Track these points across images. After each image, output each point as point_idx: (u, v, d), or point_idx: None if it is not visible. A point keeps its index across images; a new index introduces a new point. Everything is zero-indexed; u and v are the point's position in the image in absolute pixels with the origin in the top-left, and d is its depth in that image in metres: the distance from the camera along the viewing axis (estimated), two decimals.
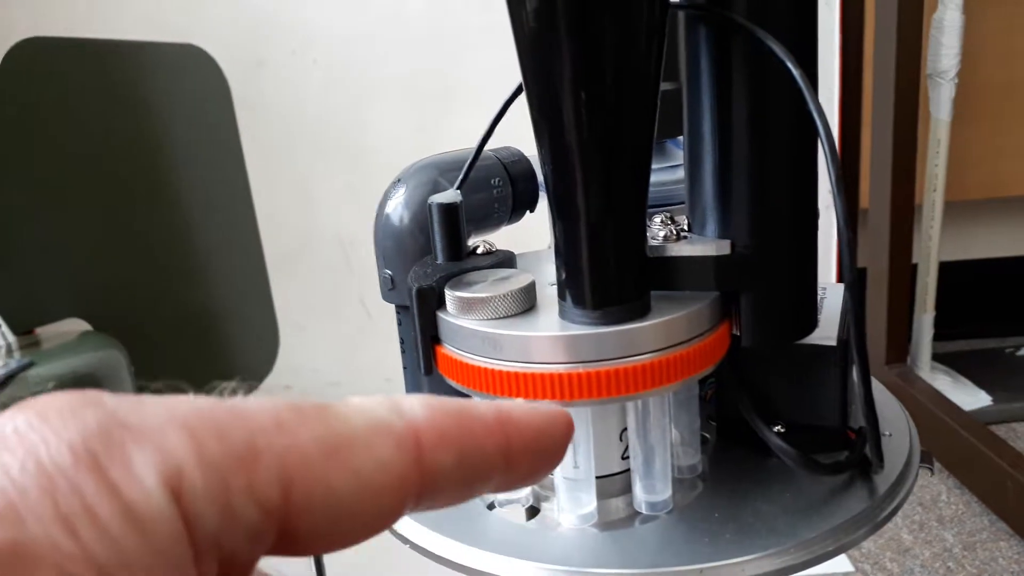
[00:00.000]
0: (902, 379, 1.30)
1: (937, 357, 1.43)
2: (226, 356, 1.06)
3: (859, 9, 1.37)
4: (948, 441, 1.17)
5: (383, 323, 0.43)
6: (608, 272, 0.31)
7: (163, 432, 0.14)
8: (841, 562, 0.99)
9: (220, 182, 1.05)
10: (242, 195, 1.08)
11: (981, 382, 1.38)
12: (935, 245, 1.38)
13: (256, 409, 0.15)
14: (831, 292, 0.41)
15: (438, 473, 0.16)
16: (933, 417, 1.20)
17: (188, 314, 1.00)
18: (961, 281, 1.52)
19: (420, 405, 0.16)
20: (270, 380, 1.16)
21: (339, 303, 1.32)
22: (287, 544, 0.15)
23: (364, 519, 0.15)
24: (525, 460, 0.17)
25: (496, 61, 1.16)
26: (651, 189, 0.42)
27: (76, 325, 0.84)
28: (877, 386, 0.43)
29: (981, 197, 1.48)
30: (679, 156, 0.43)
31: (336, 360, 1.36)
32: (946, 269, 1.42)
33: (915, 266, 1.37)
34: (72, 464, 0.13)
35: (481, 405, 0.17)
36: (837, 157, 0.28)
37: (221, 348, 1.05)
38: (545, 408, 0.18)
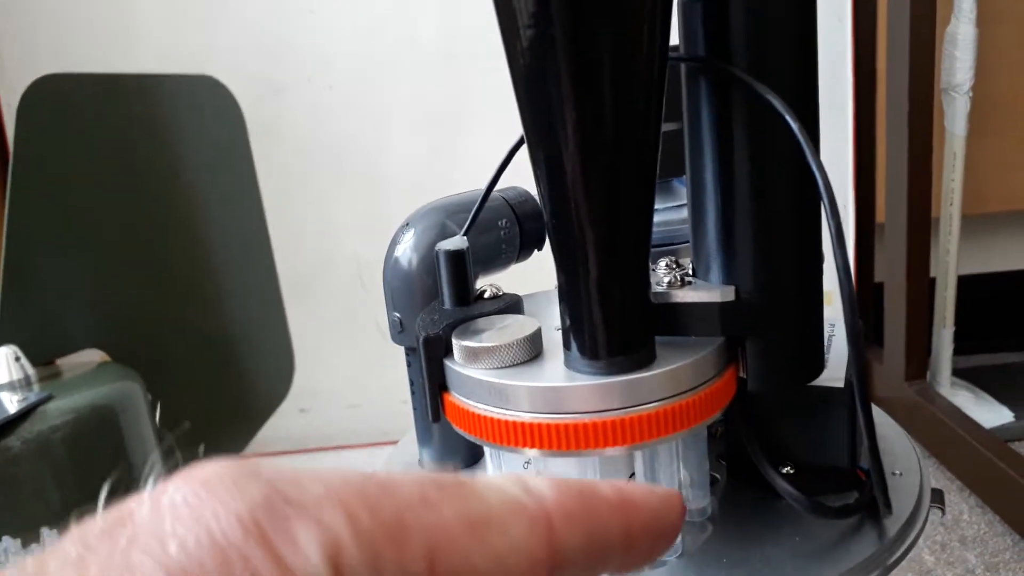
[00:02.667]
0: (922, 396, 1.29)
1: (958, 372, 1.41)
2: (242, 381, 1.07)
3: (871, 23, 1.37)
4: (969, 460, 1.16)
5: (400, 346, 0.43)
6: (612, 323, 0.31)
7: (321, 506, 0.14)
8: None
9: (236, 209, 1.06)
10: (257, 221, 1.09)
11: (1003, 398, 1.36)
12: (953, 259, 1.37)
13: (402, 484, 0.16)
14: (840, 329, 0.41)
15: (567, 554, 0.16)
16: (954, 435, 1.19)
17: (204, 340, 1.01)
18: (981, 294, 1.50)
19: (548, 486, 0.17)
20: (287, 404, 1.17)
21: (355, 326, 1.32)
22: None
23: None
24: (644, 542, 0.18)
25: (508, 83, 1.17)
26: (657, 229, 0.43)
27: (94, 355, 0.85)
28: (887, 421, 0.43)
29: (999, 210, 1.47)
30: (684, 196, 0.43)
31: (353, 383, 1.36)
32: (965, 283, 1.41)
33: (933, 280, 1.36)
34: (242, 537, 0.14)
35: (603, 486, 0.18)
36: (837, 212, 0.28)
37: (237, 373, 1.06)
38: (661, 491, 0.19)
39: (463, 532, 0.15)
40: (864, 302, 1.47)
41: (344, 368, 1.36)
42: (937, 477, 1.20)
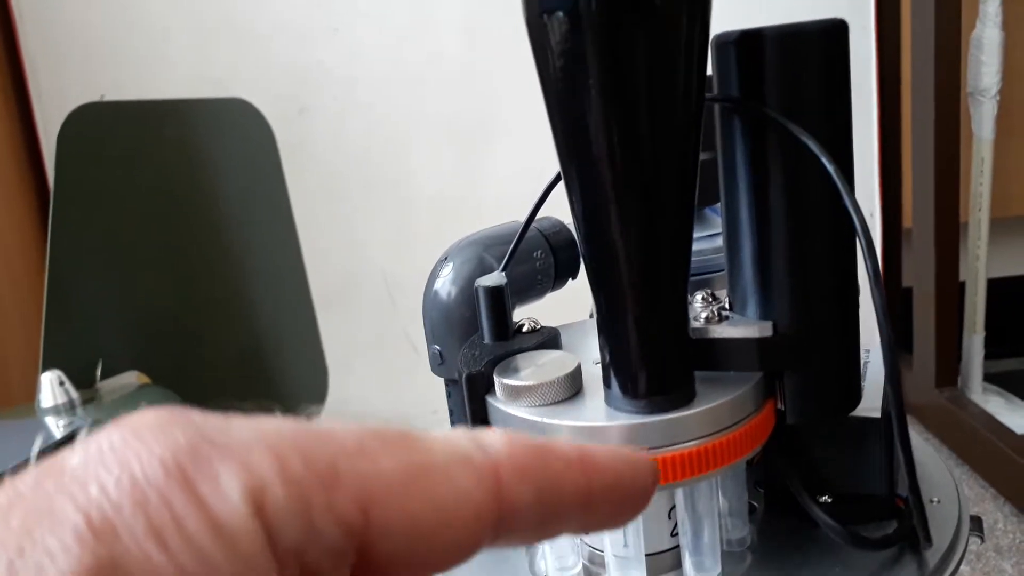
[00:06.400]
0: (953, 403, 1.28)
1: (989, 377, 1.40)
2: (278, 397, 1.09)
3: (895, 29, 1.37)
4: (1003, 466, 1.15)
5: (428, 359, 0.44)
6: (653, 361, 0.31)
7: (248, 450, 0.14)
8: None
9: (268, 228, 1.08)
10: (290, 239, 1.10)
11: None
12: (983, 265, 1.36)
13: (340, 433, 0.16)
14: (875, 355, 0.42)
15: (516, 508, 0.16)
16: (986, 442, 1.18)
17: (240, 359, 1.02)
18: (1011, 298, 1.49)
19: (501, 440, 0.17)
20: (319, 415, 1.18)
21: (385, 339, 1.34)
22: (367, 569, 0.15)
23: (442, 548, 0.16)
24: (606, 504, 0.18)
25: (531, 97, 1.18)
26: (692, 259, 0.43)
27: (133, 377, 0.87)
28: (922, 445, 0.43)
29: None
30: (718, 224, 0.44)
31: (383, 395, 1.38)
32: (995, 286, 1.39)
33: (962, 285, 1.34)
34: (163, 479, 0.14)
35: (563, 444, 0.17)
36: (875, 252, 0.29)
37: (273, 389, 1.08)
38: (629, 453, 0.18)
39: (402, 481, 0.15)
40: (892, 308, 1.47)
41: (374, 381, 1.37)
42: (970, 484, 1.19)
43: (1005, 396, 1.38)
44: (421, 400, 1.35)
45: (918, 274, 1.33)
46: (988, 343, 1.38)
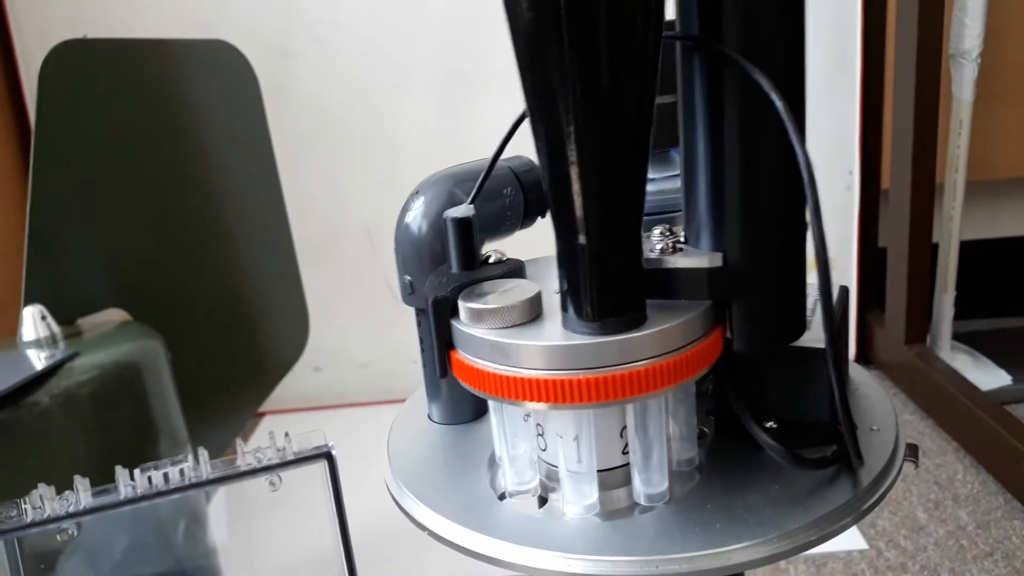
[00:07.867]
0: (921, 359, 1.31)
1: (958, 336, 1.44)
2: (258, 340, 1.10)
3: None
4: (965, 421, 1.19)
5: (409, 308, 0.46)
6: (606, 287, 0.33)
7: None
8: (856, 539, 1.01)
9: (251, 172, 1.08)
10: (272, 184, 1.11)
11: (1002, 361, 1.39)
12: (956, 225, 1.38)
13: None
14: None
15: None
16: (951, 397, 1.22)
17: (221, 300, 1.04)
18: (984, 260, 1.52)
19: None
20: (302, 362, 1.21)
21: (367, 288, 1.35)
22: None
23: None
24: None
25: None
26: (655, 197, 0.45)
27: (115, 314, 0.88)
28: (868, 380, 0.46)
29: (1006, 176, 1.48)
30: None
31: (364, 343, 1.40)
32: (969, 248, 1.42)
33: (936, 246, 1.37)
34: None
35: None
36: (815, 187, 0.30)
37: (253, 332, 1.09)
38: None
39: None
40: (867, 267, 1.49)
41: (355, 329, 1.39)
42: (934, 438, 1.23)
43: (972, 354, 1.42)
44: (401, 348, 1.38)
45: (893, 234, 1.35)
46: (959, 304, 1.41)
